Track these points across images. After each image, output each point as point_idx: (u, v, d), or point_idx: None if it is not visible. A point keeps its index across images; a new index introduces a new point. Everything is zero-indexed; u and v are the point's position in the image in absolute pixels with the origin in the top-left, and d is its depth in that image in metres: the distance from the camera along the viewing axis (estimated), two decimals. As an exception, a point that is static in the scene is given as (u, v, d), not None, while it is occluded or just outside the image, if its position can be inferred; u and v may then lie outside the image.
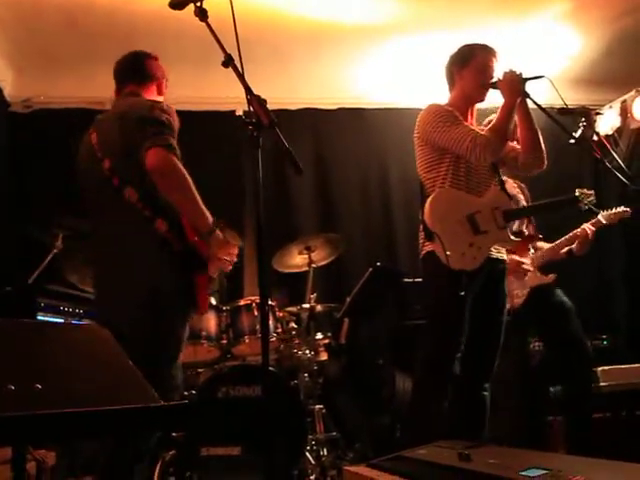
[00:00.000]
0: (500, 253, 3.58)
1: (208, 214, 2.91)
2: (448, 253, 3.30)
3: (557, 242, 4.37)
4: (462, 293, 3.33)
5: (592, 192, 3.91)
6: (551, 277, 4.27)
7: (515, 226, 4.28)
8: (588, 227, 4.30)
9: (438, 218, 3.42)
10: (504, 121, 3.37)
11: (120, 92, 3.19)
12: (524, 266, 4.15)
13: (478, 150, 3.33)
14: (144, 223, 2.81)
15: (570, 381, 4.27)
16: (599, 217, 4.33)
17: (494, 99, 3.53)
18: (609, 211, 4.36)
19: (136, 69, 3.20)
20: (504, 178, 4.19)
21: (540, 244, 4.44)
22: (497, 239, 3.51)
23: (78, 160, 3.07)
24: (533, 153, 3.50)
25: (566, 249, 4.35)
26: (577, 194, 3.89)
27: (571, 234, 4.34)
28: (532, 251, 4.35)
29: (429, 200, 3.44)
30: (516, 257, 4.15)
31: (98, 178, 2.91)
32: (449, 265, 3.30)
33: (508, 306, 3.96)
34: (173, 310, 2.82)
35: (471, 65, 3.53)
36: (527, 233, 4.36)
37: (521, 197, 4.31)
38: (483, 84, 3.50)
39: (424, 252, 3.49)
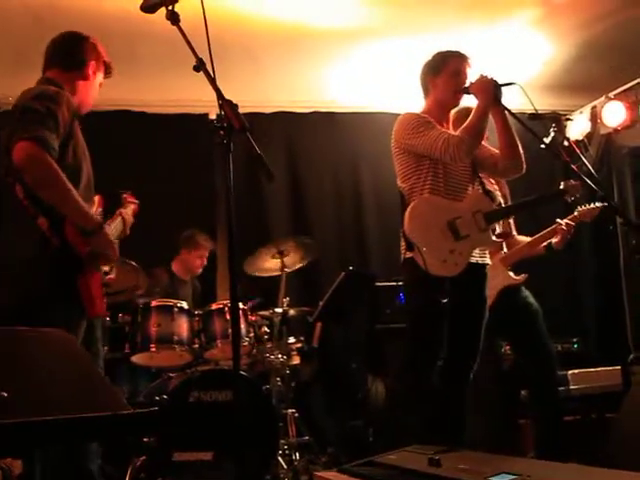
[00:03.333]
0: (482, 258, 3.60)
1: (89, 211, 2.78)
2: (429, 258, 3.31)
3: (534, 237, 4.37)
4: (444, 300, 3.35)
5: (579, 183, 3.90)
6: (522, 277, 4.27)
7: None
8: (567, 222, 4.31)
9: (417, 228, 3.43)
10: (477, 121, 3.41)
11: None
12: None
13: (452, 150, 3.35)
14: (29, 220, 2.69)
15: (536, 384, 4.28)
16: (575, 213, 4.35)
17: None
18: (585, 207, 4.37)
19: (66, 52, 3.04)
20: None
21: (519, 238, 4.43)
22: (478, 243, 3.53)
23: None
24: (512, 159, 3.55)
25: (545, 244, 4.36)
26: (562, 187, 3.90)
27: (549, 229, 4.34)
28: (505, 249, 4.33)
29: (408, 210, 3.46)
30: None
31: (1, 173, 2.82)
32: (429, 272, 3.32)
33: None
34: (50, 314, 2.61)
35: (444, 72, 3.56)
36: (503, 229, 4.33)
37: (498, 193, 4.31)
38: (456, 90, 3.53)
39: (404, 258, 3.50)
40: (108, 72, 3.18)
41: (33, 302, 2.65)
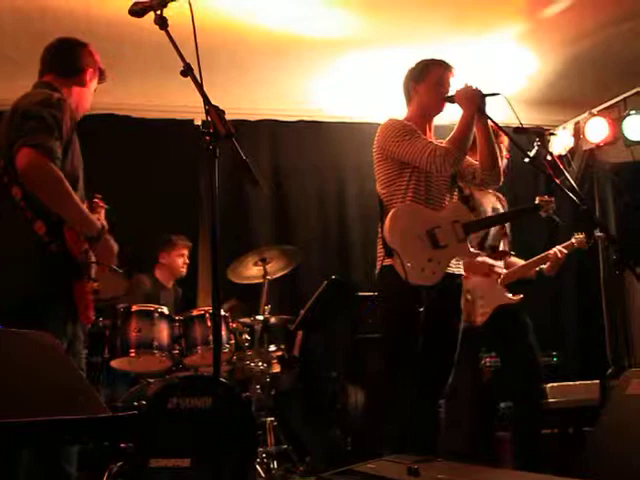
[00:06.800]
0: (458, 268, 3.61)
1: (92, 219, 2.80)
2: (409, 264, 3.31)
3: (529, 261, 4.38)
4: (421, 309, 3.35)
5: (552, 199, 3.98)
6: (518, 298, 4.26)
7: (490, 240, 4.28)
8: (559, 249, 4.33)
9: (398, 234, 3.43)
10: (462, 132, 3.41)
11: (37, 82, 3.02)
12: (496, 269, 4.15)
13: (438, 161, 3.36)
14: (25, 224, 2.67)
15: (521, 398, 4.29)
16: (572, 240, 4.38)
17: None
18: (581, 235, 4.39)
19: (62, 59, 3.03)
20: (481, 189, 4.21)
21: (513, 259, 4.45)
22: (456, 253, 3.54)
23: None
24: (490, 170, 3.55)
25: (537, 268, 4.38)
26: (537, 202, 3.95)
27: (543, 255, 4.34)
28: (502, 269, 4.34)
29: (389, 216, 3.45)
30: (488, 260, 4.16)
31: None
32: (408, 280, 3.31)
33: (465, 323, 3.97)
34: (45, 318, 2.63)
35: (426, 80, 3.57)
36: (502, 248, 4.34)
37: (499, 207, 4.33)
38: (439, 97, 3.55)
39: (382, 265, 3.50)
40: (102, 79, 3.17)
41: (31, 307, 2.63)
